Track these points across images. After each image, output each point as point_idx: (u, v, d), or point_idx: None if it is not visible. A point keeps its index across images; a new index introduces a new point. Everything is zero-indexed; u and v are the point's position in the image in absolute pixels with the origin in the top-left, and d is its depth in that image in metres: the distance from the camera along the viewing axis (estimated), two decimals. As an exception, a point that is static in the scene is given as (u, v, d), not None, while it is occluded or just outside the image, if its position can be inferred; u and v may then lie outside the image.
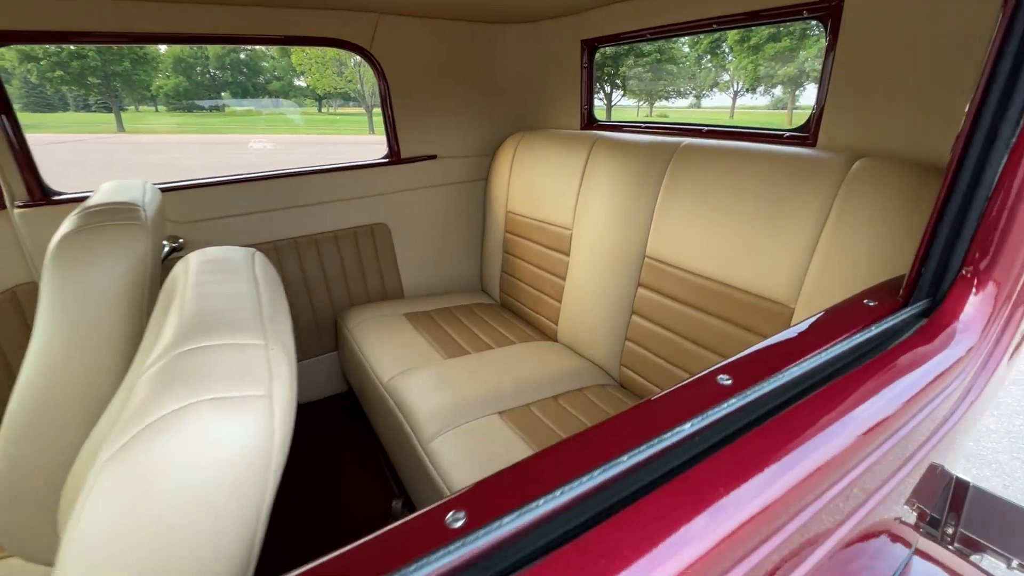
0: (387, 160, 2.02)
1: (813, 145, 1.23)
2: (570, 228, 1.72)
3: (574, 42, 1.85)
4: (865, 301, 0.59)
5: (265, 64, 35.35)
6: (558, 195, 1.77)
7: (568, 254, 1.74)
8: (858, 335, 0.53)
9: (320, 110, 36.11)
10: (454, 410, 1.34)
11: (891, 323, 0.56)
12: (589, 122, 1.94)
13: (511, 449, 1.21)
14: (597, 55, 1.87)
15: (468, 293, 2.23)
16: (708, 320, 1.28)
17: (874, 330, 0.55)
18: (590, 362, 1.65)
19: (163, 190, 1.62)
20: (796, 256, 1.08)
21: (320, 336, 2.02)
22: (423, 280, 2.20)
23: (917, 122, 1.04)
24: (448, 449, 1.22)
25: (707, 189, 1.28)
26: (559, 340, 1.80)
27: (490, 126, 2.18)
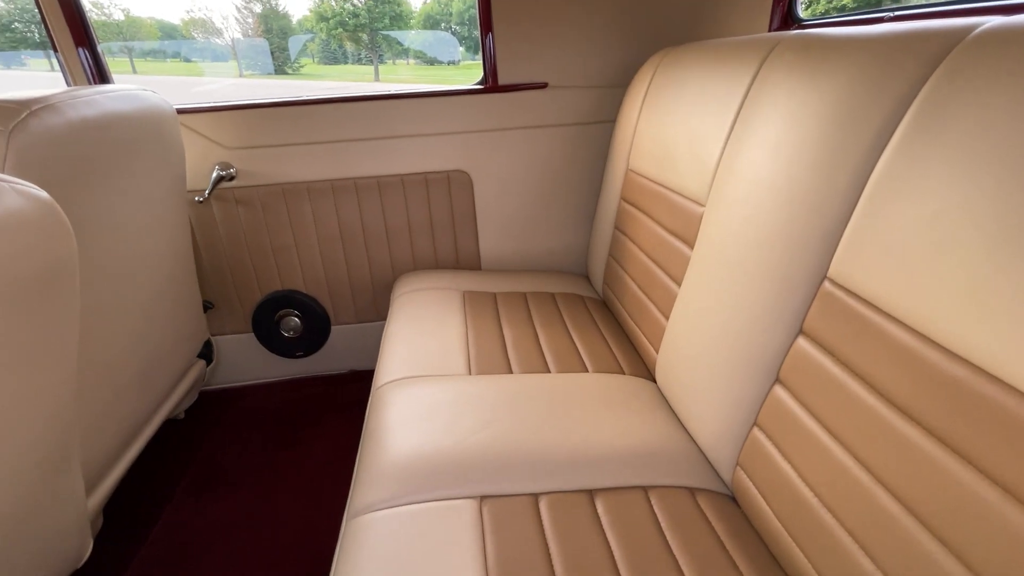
0: (480, 87, 1.52)
1: None
2: (703, 203, 1.00)
3: None
4: None
5: (499, 18, 36.71)
6: (696, 144, 1.04)
7: (692, 245, 1.03)
8: None
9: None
10: (419, 473, 0.85)
11: None
12: (786, 22, 1.12)
13: None
14: None
15: (563, 278, 1.65)
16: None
17: None
18: (691, 442, 0.97)
19: (205, 109, 1.43)
20: None
21: (376, 300, 1.70)
22: (508, 250, 1.69)
23: None
24: (368, 537, 0.75)
25: None
26: (657, 380, 1.13)
27: (627, 41, 1.49)
